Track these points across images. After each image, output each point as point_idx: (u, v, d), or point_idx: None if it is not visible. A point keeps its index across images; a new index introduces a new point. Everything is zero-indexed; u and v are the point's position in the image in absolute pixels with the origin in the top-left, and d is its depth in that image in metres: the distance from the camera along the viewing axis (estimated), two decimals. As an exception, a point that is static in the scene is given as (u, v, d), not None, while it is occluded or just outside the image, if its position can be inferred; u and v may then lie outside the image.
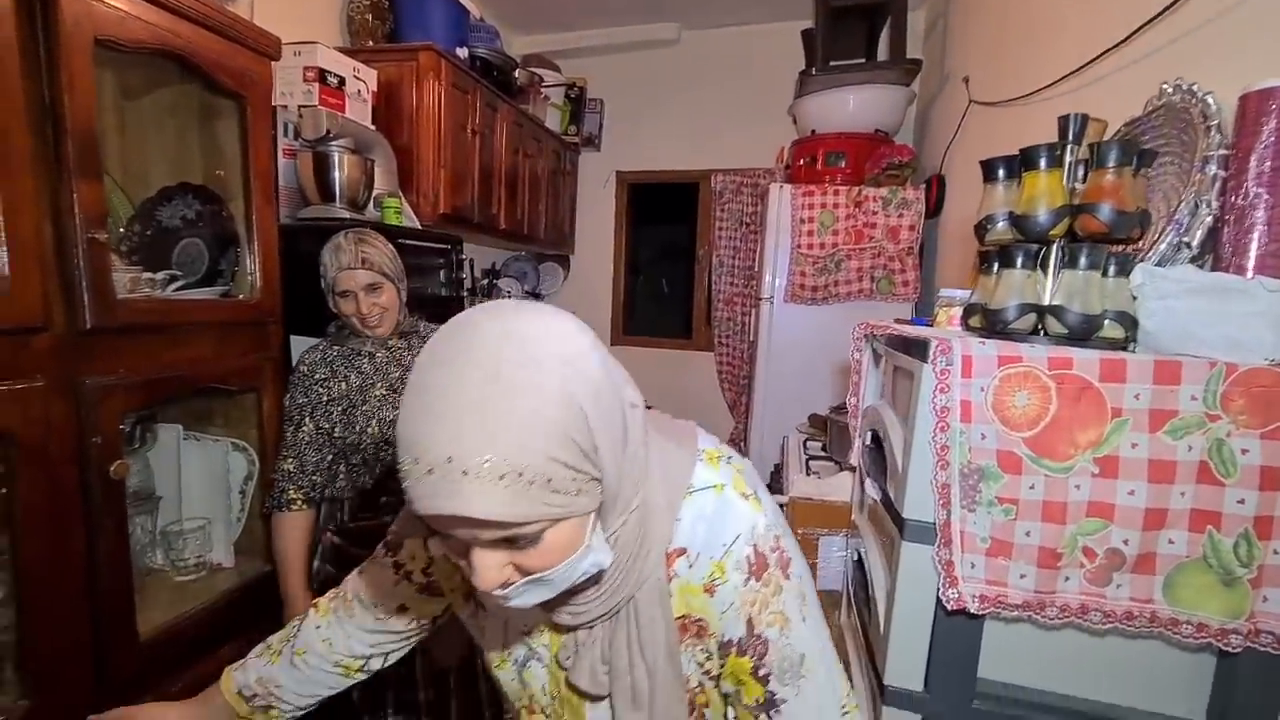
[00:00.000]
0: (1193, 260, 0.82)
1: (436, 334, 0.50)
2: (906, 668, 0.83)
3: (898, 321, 1.16)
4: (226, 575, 1.53)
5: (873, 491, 1.00)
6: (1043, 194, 0.80)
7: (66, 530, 1.08)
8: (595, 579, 0.56)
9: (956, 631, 0.80)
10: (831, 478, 1.66)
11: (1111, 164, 0.76)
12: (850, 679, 0.67)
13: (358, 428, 1.51)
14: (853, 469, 1.67)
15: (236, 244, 1.53)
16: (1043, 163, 0.80)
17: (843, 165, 2.83)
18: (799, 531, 1.54)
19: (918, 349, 0.81)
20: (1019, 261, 0.81)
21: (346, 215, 2.01)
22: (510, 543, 0.49)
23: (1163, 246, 0.83)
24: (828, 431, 1.87)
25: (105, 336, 1.12)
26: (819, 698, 0.61)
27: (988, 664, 0.82)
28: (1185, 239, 0.81)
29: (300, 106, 1.98)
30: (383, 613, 0.79)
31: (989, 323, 0.83)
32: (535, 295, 3.85)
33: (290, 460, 1.47)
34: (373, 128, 2.22)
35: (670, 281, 4.43)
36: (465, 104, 2.53)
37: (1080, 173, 0.81)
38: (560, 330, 0.50)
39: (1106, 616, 0.74)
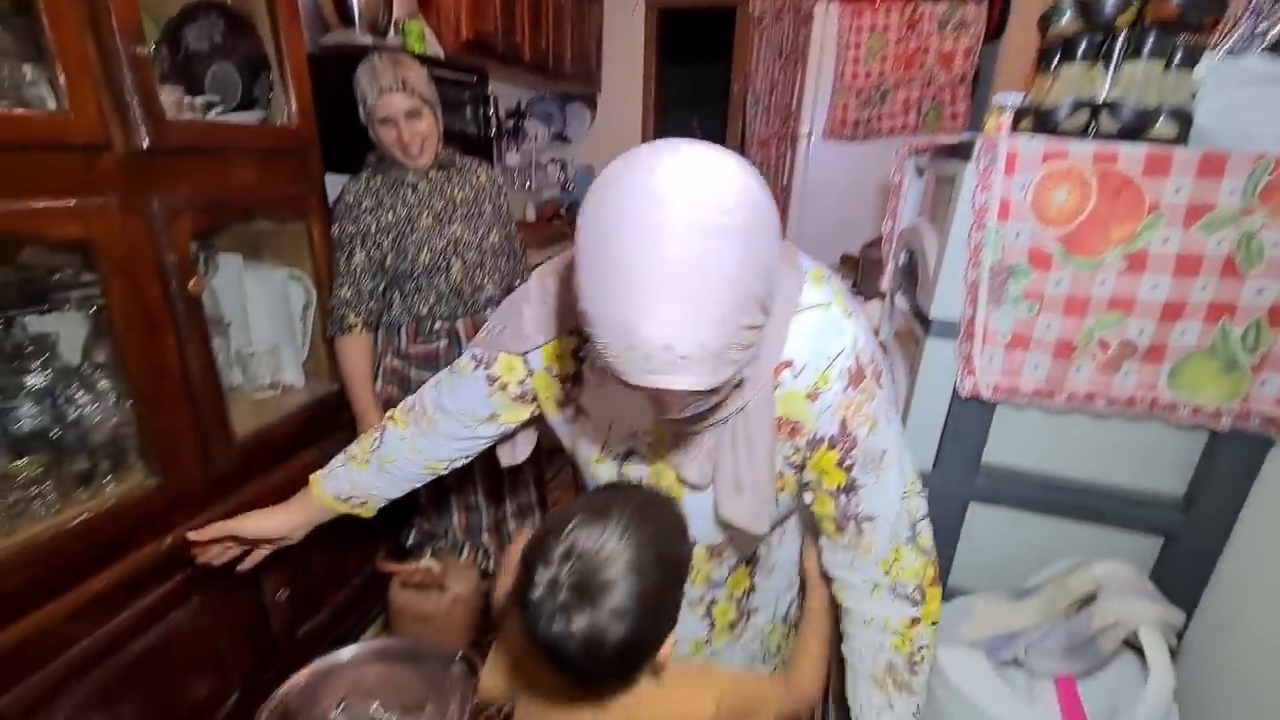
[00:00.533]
0: (1267, 50, 0.78)
1: (612, 182, 0.49)
2: (919, 451, 0.92)
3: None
4: (298, 394, 1.69)
5: (903, 304, 1.05)
6: (1116, -25, 0.75)
7: (160, 338, 1.19)
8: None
9: (967, 418, 0.88)
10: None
11: (1196, -62, 0.71)
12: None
13: (409, 256, 1.58)
14: (881, 296, 1.72)
15: (268, 69, 1.50)
16: (1120, -61, 0.74)
17: (897, -20, 2.56)
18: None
19: (963, 150, 0.81)
20: (1080, 52, 0.78)
21: (370, 41, 1.93)
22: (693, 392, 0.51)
23: (1235, 37, 0.78)
24: (859, 269, 1.88)
25: (162, 158, 1.16)
26: (890, 484, 0.70)
27: (992, 450, 0.90)
28: (1261, 28, 0.77)
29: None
30: (471, 421, 0.85)
31: (1040, 123, 0.82)
32: (562, 138, 3.73)
33: (346, 287, 1.56)
34: (385, -60, 2.06)
35: (702, 124, 4.22)
36: (483, -87, 2.31)
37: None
38: (739, 180, 0.48)
39: (1110, 402, 0.81)
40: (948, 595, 0.95)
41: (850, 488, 0.70)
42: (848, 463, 0.68)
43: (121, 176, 1.10)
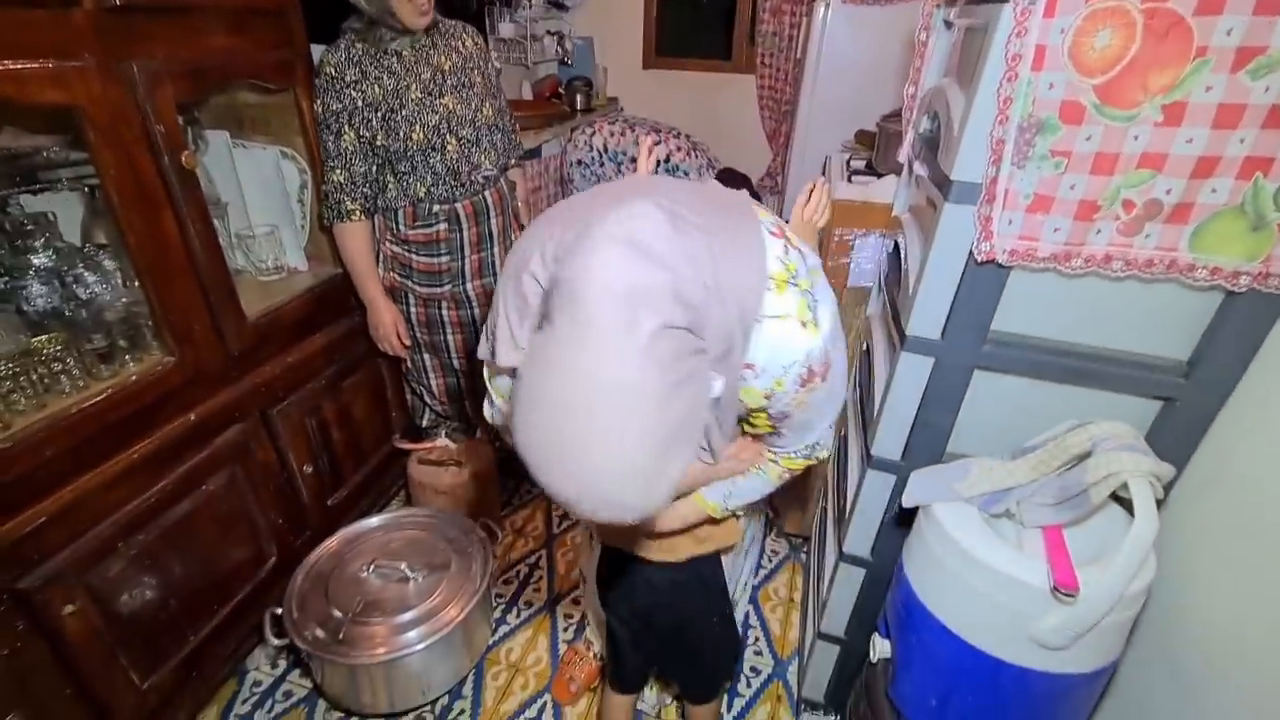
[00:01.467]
0: None
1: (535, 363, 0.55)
2: (929, 319, 0.93)
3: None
4: (303, 277, 1.68)
5: (922, 172, 1.01)
6: None
7: (159, 215, 1.17)
8: None
9: (980, 284, 0.87)
10: (872, 184, 1.65)
11: None
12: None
13: (401, 135, 1.50)
14: (898, 171, 1.66)
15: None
16: None
17: None
18: (835, 233, 1.59)
19: (999, -12, 0.75)
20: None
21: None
22: None
23: None
24: (875, 144, 1.80)
25: (135, 17, 1.09)
26: (805, 439, 0.83)
27: (1000, 318, 0.90)
28: None
29: None
30: None
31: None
32: (558, 5, 3.46)
33: (338, 170, 1.50)
34: None
35: (710, -11, 3.88)
36: None
37: None
38: (624, 348, 0.51)
39: (1128, 264, 0.80)
40: (946, 458, 0.99)
41: (776, 434, 0.82)
42: (781, 427, 0.80)
43: (95, 36, 1.03)
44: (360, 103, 1.46)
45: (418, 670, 1.35)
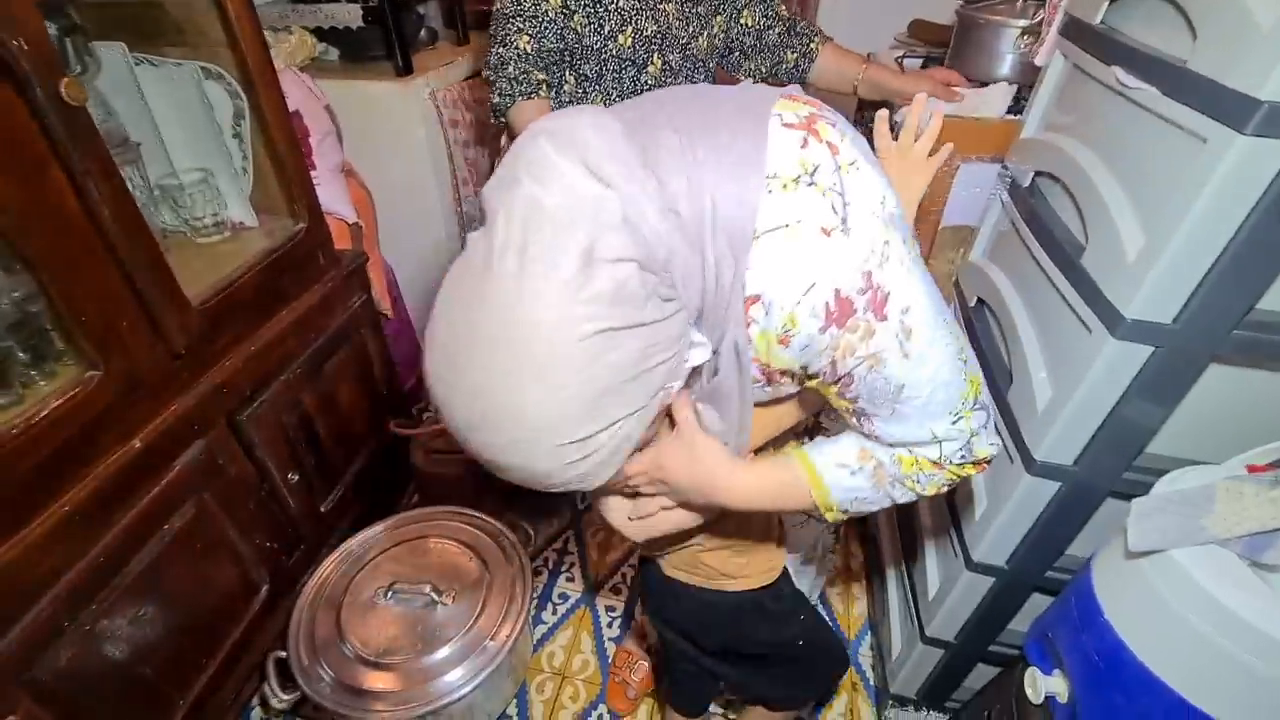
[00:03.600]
0: None
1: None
2: (1161, 298, 0.68)
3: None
4: (254, 236, 1.32)
5: (1045, 257, 0.74)
6: None
7: (40, 175, 0.82)
8: None
9: (1258, 250, 0.63)
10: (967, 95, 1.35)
11: None
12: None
13: (605, 29, 1.14)
14: (992, 79, 1.35)
15: None
16: None
17: None
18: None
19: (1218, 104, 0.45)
20: None
21: None
22: None
23: None
24: (952, 41, 1.48)
25: None
26: (912, 417, 0.56)
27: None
28: None
29: None
30: None
31: None
32: None
33: (526, 36, 1.13)
34: None
35: None
36: None
37: None
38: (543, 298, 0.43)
39: None
40: (1156, 469, 0.79)
41: (861, 414, 0.59)
42: (850, 395, 0.57)
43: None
44: None
45: (462, 713, 1.15)
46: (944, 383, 0.55)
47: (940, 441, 0.58)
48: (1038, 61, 1.01)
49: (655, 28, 1.16)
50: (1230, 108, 0.58)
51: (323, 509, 1.40)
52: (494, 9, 1.17)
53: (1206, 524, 0.67)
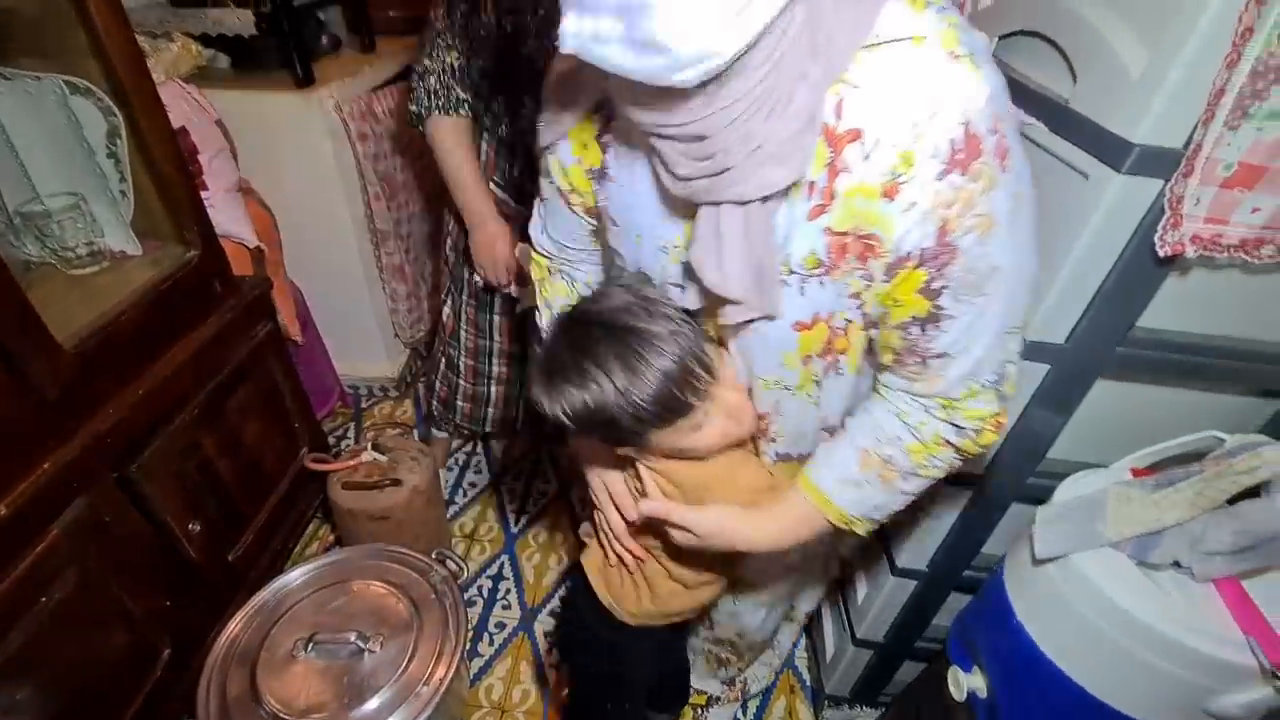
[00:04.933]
0: None
1: None
2: (1054, 318, 0.73)
3: None
4: (137, 265, 1.21)
5: (1030, 117, 0.78)
6: None
7: None
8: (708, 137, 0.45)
9: (1137, 279, 0.68)
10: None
11: None
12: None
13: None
14: None
15: None
16: None
17: None
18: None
19: None
20: None
21: None
22: None
23: None
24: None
25: None
26: (990, 317, 0.52)
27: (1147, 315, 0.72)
28: None
29: None
30: (587, 243, 0.75)
31: None
32: None
33: (454, 52, 1.10)
34: None
35: None
36: None
37: None
38: None
39: (1330, 249, 0.63)
40: (1057, 473, 0.84)
41: (931, 319, 0.52)
42: (937, 285, 0.50)
43: None
44: None
45: (396, 764, 1.09)
46: (1029, 276, 0.52)
47: (1002, 364, 0.56)
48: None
49: None
50: (1109, 148, 0.63)
51: (231, 558, 1.30)
52: (428, 16, 1.13)
53: (1101, 529, 0.72)
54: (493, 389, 1.54)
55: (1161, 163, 0.60)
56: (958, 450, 0.60)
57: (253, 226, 1.47)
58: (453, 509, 1.77)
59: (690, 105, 0.43)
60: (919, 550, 1.02)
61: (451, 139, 1.19)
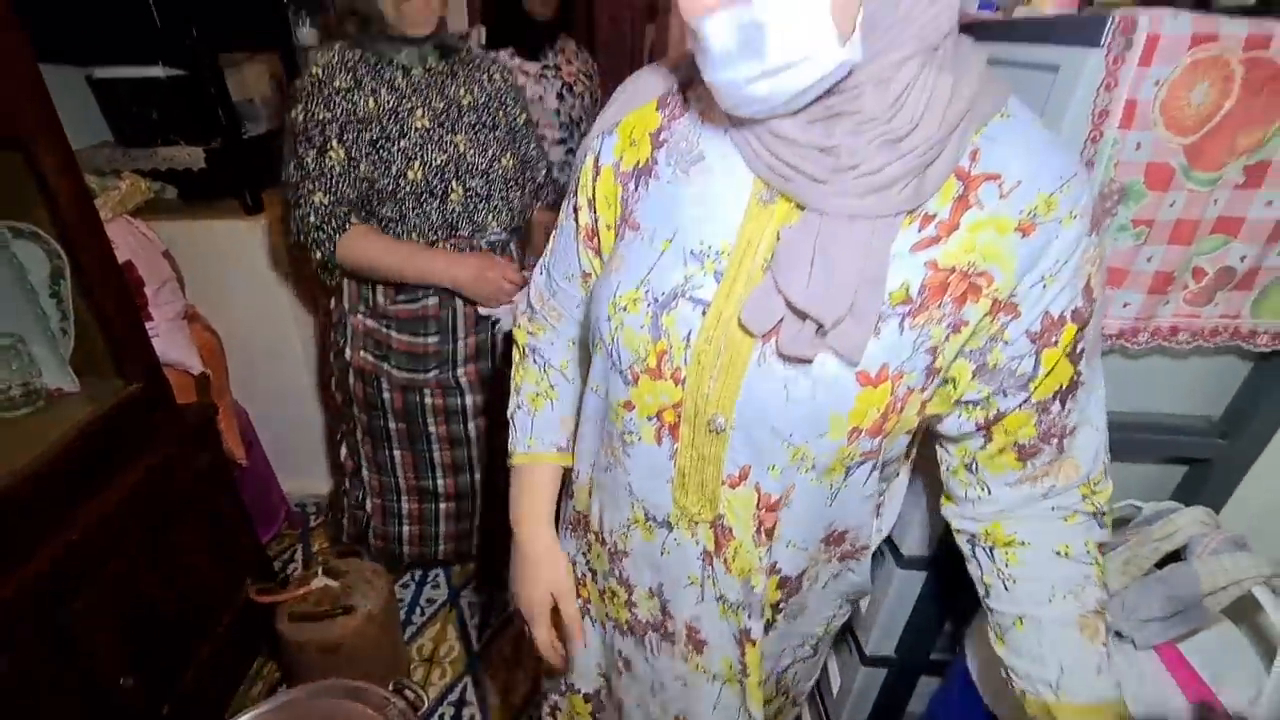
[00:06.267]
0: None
1: None
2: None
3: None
4: (74, 402, 1.17)
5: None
6: None
7: None
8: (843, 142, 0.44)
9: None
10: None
11: None
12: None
13: (393, 169, 1.13)
14: None
15: None
16: None
17: None
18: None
19: (1074, 31, 0.61)
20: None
21: None
22: None
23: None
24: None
25: None
26: (1100, 376, 0.53)
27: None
28: None
29: None
30: (575, 287, 0.68)
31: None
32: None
33: (320, 193, 1.12)
34: None
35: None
36: None
37: None
38: None
39: (1194, 335, 0.72)
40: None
41: (1071, 387, 0.50)
42: (1080, 347, 0.49)
43: None
44: (353, 115, 1.11)
45: None
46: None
47: (1107, 454, 0.54)
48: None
49: (445, 157, 1.17)
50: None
51: (166, 710, 1.20)
52: (282, 179, 1.17)
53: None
54: (405, 528, 1.51)
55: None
56: (1101, 532, 0.56)
57: (198, 352, 1.46)
58: (410, 629, 1.68)
59: (811, 124, 0.45)
60: (886, 635, 1.03)
61: (368, 245, 1.17)
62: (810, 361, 0.48)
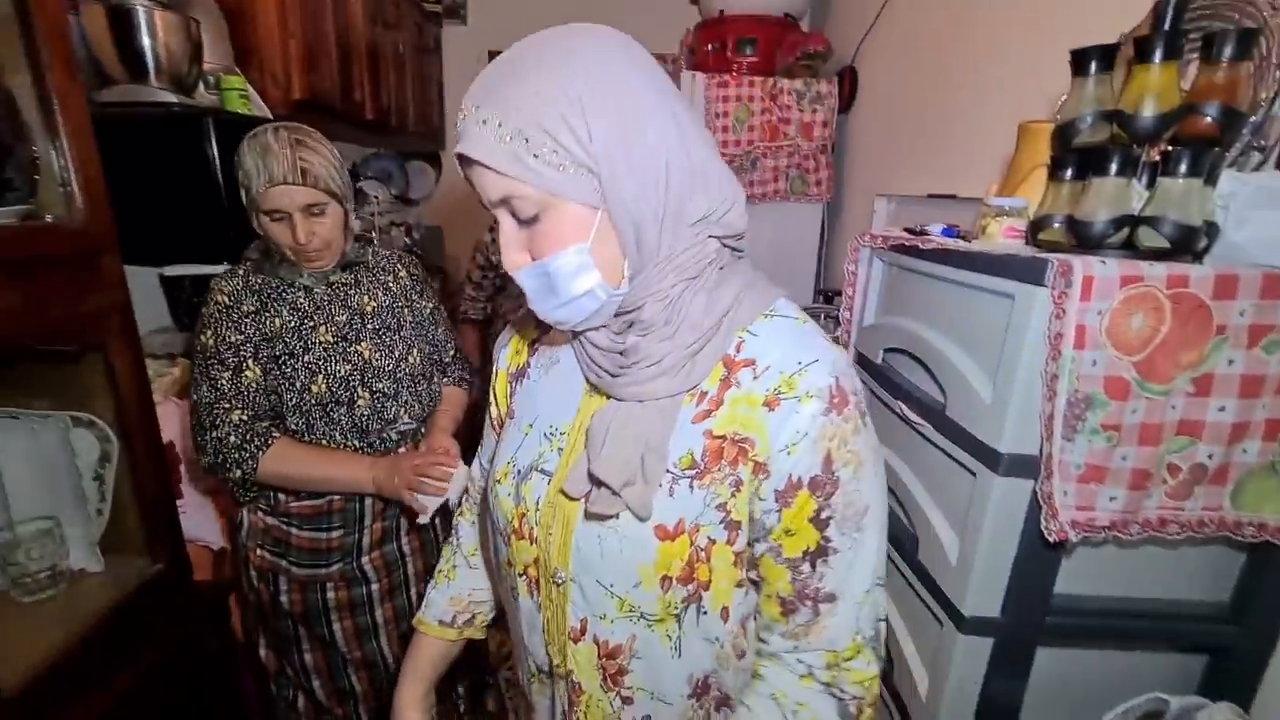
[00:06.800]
0: (1260, 166, 0.80)
1: None
2: (985, 597, 0.81)
3: (908, 231, 1.09)
4: (96, 584, 1.19)
5: (913, 413, 0.95)
6: (1154, 90, 0.72)
7: None
8: (639, 349, 0.57)
9: (1039, 557, 0.79)
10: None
11: (1227, 56, 0.70)
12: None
13: (297, 384, 1.19)
14: None
15: (25, 143, 1.06)
16: (1158, 54, 0.71)
17: (751, 53, 2.64)
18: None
19: (1022, 270, 0.73)
20: (1113, 168, 0.74)
21: (173, 99, 1.51)
22: (514, 215, 0.55)
23: (1233, 150, 0.80)
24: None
25: None
26: (867, 555, 0.58)
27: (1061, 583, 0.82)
28: (1259, 142, 0.78)
29: (78, -63, 1.40)
30: None
31: (1078, 236, 0.76)
32: (405, 200, 3.36)
33: (237, 410, 1.16)
34: (188, -25, 1.65)
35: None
36: (309, -49, 1.97)
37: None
38: (621, 51, 0.54)
39: (1182, 527, 0.76)
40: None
41: (821, 552, 0.57)
42: (825, 514, 0.57)
43: None
44: (261, 336, 1.18)
45: None
46: (883, 527, 0.59)
47: (876, 620, 0.59)
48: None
49: (349, 367, 1.22)
50: (984, 453, 0.78)
51: None
52: (191, 401, 1.18)
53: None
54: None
55: (1028, 466, 0.75)
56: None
57: (221, 528, 1.49)
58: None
59: (615, 334, 0.60)
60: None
61: (295, 457, 1.18)
62: (616, 518, 0.59)
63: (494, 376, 0.79)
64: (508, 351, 0.77)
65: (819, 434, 0.55)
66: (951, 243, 0.91)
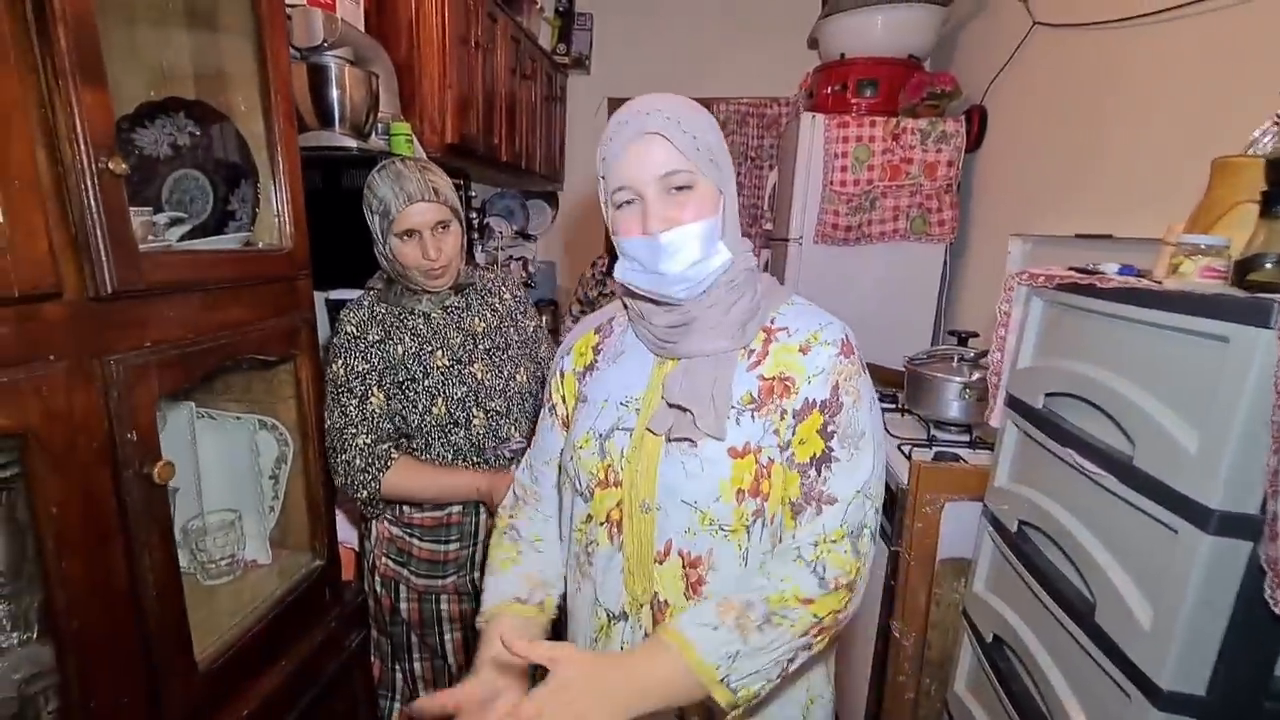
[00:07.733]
0: None
1: None
2: (1188, 671, 0.73)
3: (1076, 270, 1.03)
4: (263, 575, 1.31)
5: (1089, 463, 0.89)
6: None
7: (104, 550, 0.84)
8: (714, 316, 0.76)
9: (1259, 630, 0.70)
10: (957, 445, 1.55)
11: None
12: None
13: (420, 407, 1.28)
14: (939, 420, 1.58)
15: (249, 177, 1.23)
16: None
17: (872, 95, 2.64)
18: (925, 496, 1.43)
19: (1242, 312, 0.67)
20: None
21: (353, 145, 1.69)
22: (675, 187, 0.72)
23: None
24: (904, 384, 1.76)
25: (127, 304, 0.86)
26: (860, 468, 0.74)
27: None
28: None
29: (287, 5, 1.62)
30: (553, 467, 0.94)
31: (1301, 277, 0.70)
32: (524, 235, 3.55)
33: (362, 436, 1.25)
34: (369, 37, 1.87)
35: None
36: (467, 11, 2.17)
37: None
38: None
39: None
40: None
41: (825, 459, 0.74)
42: (830, 428, 0.74)
43: (69, 334, 0.78)
44: (385, 364, 1.28)
45: None
46: (879, 447, 0.75)
47: (863, 523, 0.73)
48: (992, 423, 1.21)
49: (465, 389, 1.29)
50: (1189, 509, 0.71)
51: None
52: (326, 426, 1.27)
53: None
54: None
55: (1244, 526, 0.68)
56: (813, 606, 0.69)
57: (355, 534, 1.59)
58: None
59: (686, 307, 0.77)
60: None
61: (413, 476, 1.27)
62: (695, 444, 0.74)
63: (557, 380, 0.92)
64: (571, 357, 0.91)
65: (831, 369, 0.75)
66: (1137, 281, 0.86)
